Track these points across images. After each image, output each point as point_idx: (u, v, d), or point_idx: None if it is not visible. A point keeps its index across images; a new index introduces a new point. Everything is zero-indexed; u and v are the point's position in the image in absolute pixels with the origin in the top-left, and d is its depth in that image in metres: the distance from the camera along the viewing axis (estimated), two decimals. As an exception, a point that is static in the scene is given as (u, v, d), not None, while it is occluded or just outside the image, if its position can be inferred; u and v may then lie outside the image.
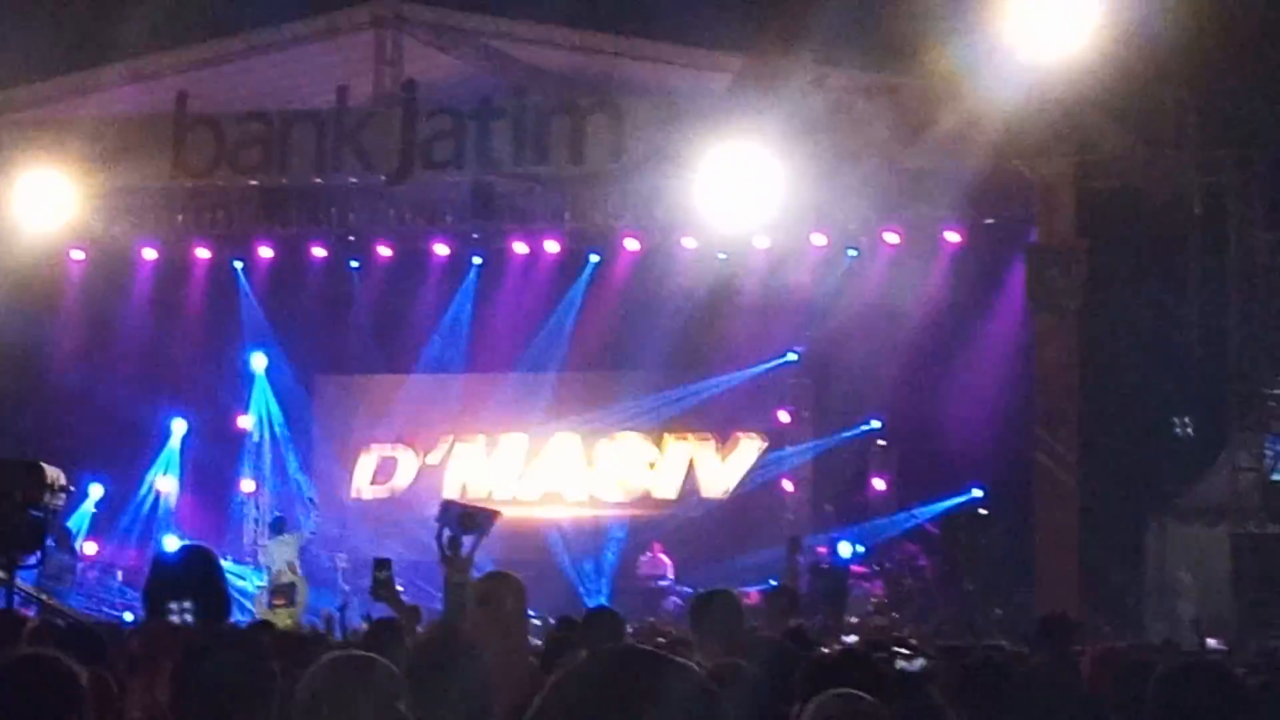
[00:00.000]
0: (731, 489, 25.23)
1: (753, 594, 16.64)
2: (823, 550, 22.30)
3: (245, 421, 26.17)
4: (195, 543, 11.94)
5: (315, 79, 23.23)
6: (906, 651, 9.25)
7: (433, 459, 26.26)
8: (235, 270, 25.79)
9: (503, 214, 23.54)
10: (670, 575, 23.71)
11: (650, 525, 25.02)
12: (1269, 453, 20.98)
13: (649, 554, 24.12)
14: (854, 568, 22.18)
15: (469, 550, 11.66)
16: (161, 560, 8.07)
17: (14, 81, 23.38)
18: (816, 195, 21.48)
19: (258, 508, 25.93)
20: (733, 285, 23.80)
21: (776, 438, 25.16)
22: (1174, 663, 6.57)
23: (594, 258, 25.03)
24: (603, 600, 21.86)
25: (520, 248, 24.89)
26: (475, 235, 24.56)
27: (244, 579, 23.78)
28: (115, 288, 25.32)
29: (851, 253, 23.64)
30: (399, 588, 12.57)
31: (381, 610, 11.63)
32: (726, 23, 21.96)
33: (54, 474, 14.03)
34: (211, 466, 25.87)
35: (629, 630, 11.06)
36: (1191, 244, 21.16)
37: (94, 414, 24.46)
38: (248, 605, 21.81)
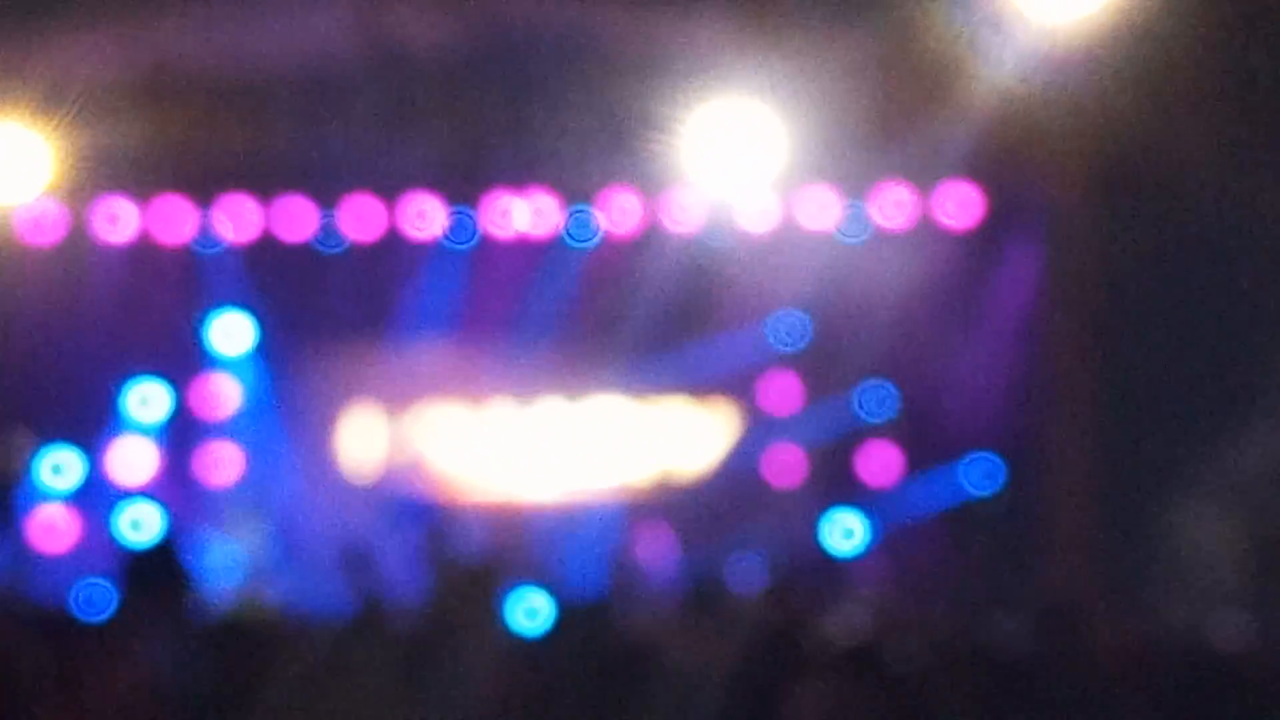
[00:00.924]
0: (726, 461, 24.91)
1: (746, 579, 17.25)
2: (819, 534, 22.51)
3: (219, 390, 25.66)
4: (166, 530, 12.19)
5: (298, 38, 22.63)
6: (908, 641, 9.31)
7: (413, 427, 25.83)
8: (211, 233, 25.11)
9: (490, 176, 23.57)
10: (663, 557, 23.38)
11: (644, 503, 24.77)
12: (1293, 431, 20.87)
13: (641, 534, 23.92)
14: (852, 554, 22.33)
15: (444, 539, 11.99)
16: (131, 549, 8.22)
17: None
18: (821, 155, 21.47)
19: (234, 482, 25.22)
20: (730, 247, 23.56)
21: (777, 405, 24.74)
22: (1193, 652, 6.49)
23: (586, 219, 24.60)
24: (591, 583, 21.64)
25: (509, 209, 24.50)
26: (461, 197, 24.35)
27: (217, 556, 23.10)
28: (84, 251, 24.65)
29: (857, 220, 23.35)
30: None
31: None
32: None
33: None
34: (183, 436, 25.24)
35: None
36: (1214, 212, 20.98)
37: (58, 381, 23.99)
38: (224, 587, 21.26)
